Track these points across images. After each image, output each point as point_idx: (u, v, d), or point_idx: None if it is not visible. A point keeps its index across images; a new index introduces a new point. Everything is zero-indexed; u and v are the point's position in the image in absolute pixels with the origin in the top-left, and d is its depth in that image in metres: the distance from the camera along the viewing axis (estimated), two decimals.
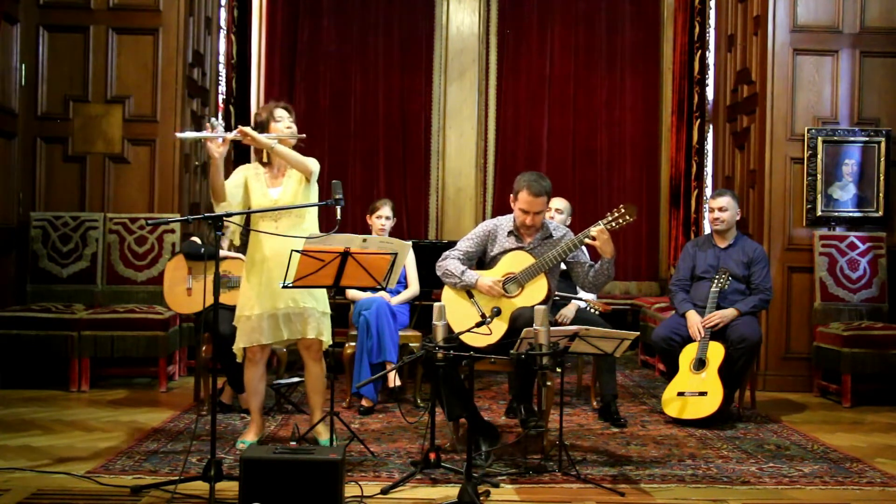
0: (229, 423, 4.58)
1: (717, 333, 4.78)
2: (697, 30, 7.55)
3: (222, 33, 7.22)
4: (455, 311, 4.10)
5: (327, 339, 3.98)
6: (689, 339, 4.81)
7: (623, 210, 4.04)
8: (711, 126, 7.19)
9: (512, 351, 3.55)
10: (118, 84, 6.05)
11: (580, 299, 5.00)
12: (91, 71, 6.03)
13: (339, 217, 3.69)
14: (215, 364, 3.84)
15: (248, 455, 3.07)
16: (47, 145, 6.04)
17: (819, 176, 5.82)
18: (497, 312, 3.79)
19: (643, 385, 5.94)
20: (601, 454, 4.08)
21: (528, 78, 8.18)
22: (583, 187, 8.11)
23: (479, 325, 3.69)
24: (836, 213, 5.85)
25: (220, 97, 7.23)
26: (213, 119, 6.79)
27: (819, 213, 5.83)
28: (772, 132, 5.87)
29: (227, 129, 7.42)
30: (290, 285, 3.59)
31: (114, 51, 6.05)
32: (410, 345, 5.14)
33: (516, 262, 4.16)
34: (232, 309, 4.67)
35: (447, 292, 4.25)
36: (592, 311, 4.92)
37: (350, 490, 3.34)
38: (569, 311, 4.87)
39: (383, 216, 5.22)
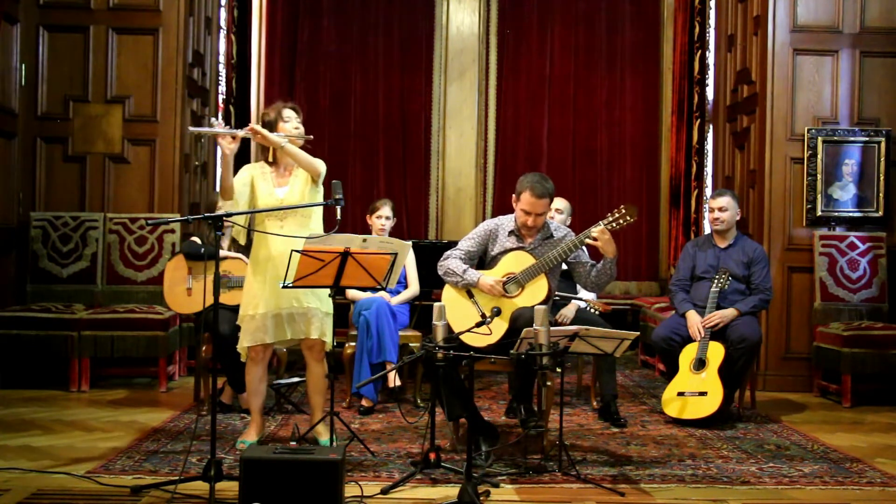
0: (229, 423, 4.58)
1: (717, 333, 4.78)
2: (697, 30, 7.55)
3: (222, 33, 7.22)
4: (455, 311, 4.10)
5: (329, 340, 3.98)
6: (689, 339, 4.81)
7: (624, 211, 4.04)
8: (711, 126, 7.19)
9: (512, 351, 3.55)
10: (118, 84, 6.06)
11: (580, 299, 5.00)
12: (91, 71, 6.03)
13: (339, 217, 3.70)
14: (215, 364, 3.84)
15: (248, 455, 3.07)
16: (47, 145, 6.04)
17: (819, 176, 5.82)
18: (497, 312, 3.79)
19: (643, 385, 5.94)
20: (601, 454, 4.08)
21: (528, 78, 8.18)
22: (583, 187, 8.12)
23: (479, 325, 3.70)
24: (836, 213, 5.85)
25: (220, 97, 7.24)
26: (213, 119, 6.81)
27: (819, 213, 5.83)
28: (772, 132, 5.87)
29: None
30: (290, 285, 3.60)
31: (114, 51, 6.05)
32: (410, 345, 5.14)
33: (517, 262, 4.16)
34: (232, 309, 4.68)
35: (447, 292, 4.25)
36: (592, 311, 4.92)
37: (350, 490, 3.34)
38: (569, 311, 4.87)
39: (383, 216, 5.22)
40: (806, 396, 5.64)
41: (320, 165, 3.94)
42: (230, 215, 3.86)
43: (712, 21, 7.29)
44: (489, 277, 4.14)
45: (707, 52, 7.42)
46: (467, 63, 8.13)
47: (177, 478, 3.37)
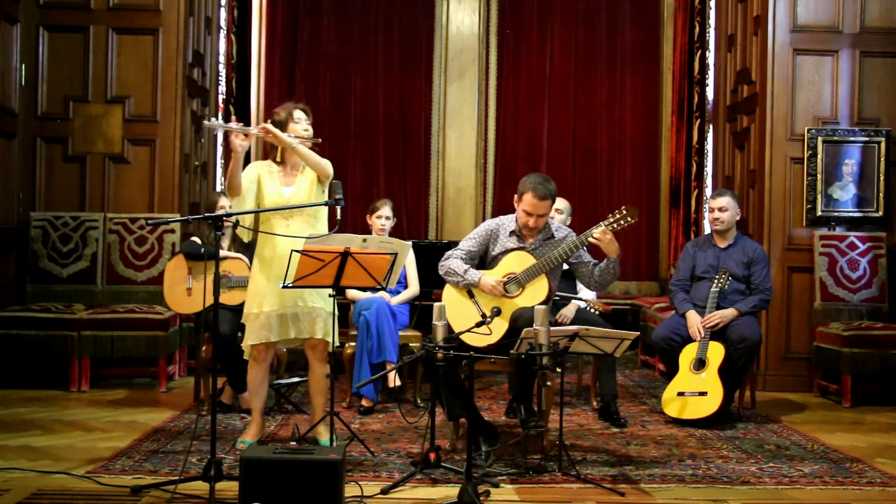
0: (229, 423, 4.58)
1: (717, 333, 4.78)
2: (697, 30, 7.55)
3: (222, 33, 7.22)
4: (455, 311, 4.10)
5: (334, 339, 3.98)
6: (689, 339, 4.81)
7: (625, 212, 4.04)
8: (711, 126, 7.19)
9: (512, 351, 3.55)
10: (118, 84, 6.06)
11: (580, 299, 5.00)
12: (91, 71, 6.03)
13: (338, 217, 3.70)
14: (215, 364, 3.84)
15: (248, 455, 3.07)
16: (47, 145, 6.04)
17: (819, 176, 5.82)
18: (497, 312, 3.79)
19: (643, 385, 5.93)
20: (601, 454, 4.08)
21: (528, 78, 8.18)
22: (583, 187, 8.12)
23: (479, 325, 3.70)
24: (836, 213, 5.85)
25: (220, 97, 7.23)
26: (213, 119, 6.82)
27: (819, 213, 5.83)
28: (772, 132, 5.87)
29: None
30: (290, 285, 3.60)
31: (114, 51, 6.05)
32: (410, 345, 5.14)
33: (518, 262, 4.16)
34: (232, 309, 4.69)
35: (447, 292, 4.25)
36: (592, 311, 4.92)
37: (350, 490, 3.34)
38: (569, 311, 4.86)
39: (383, 216, 5.22)
40: (806, 396, 5.64)
41: (329, 167, 3.95)
42: (230, 215, 3.87)
43: (712, 21, 7.29)
44: (490, 277, 4.14)
45: (707, 52, 7.42)
46: (467, 63, 8.13)
47: (177, 478, 3.37)
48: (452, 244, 4.88)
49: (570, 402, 5.24)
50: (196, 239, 5.02)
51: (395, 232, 5.38)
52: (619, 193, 8.09)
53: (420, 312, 5.66)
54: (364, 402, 4.88)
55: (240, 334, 4.70)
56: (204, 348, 4.86)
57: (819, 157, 5.81)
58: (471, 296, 4.16)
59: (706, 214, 6.79)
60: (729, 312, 4.80)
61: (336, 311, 3.99)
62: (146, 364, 5.57)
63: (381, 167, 8.14)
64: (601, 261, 4.21)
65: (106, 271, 5.88)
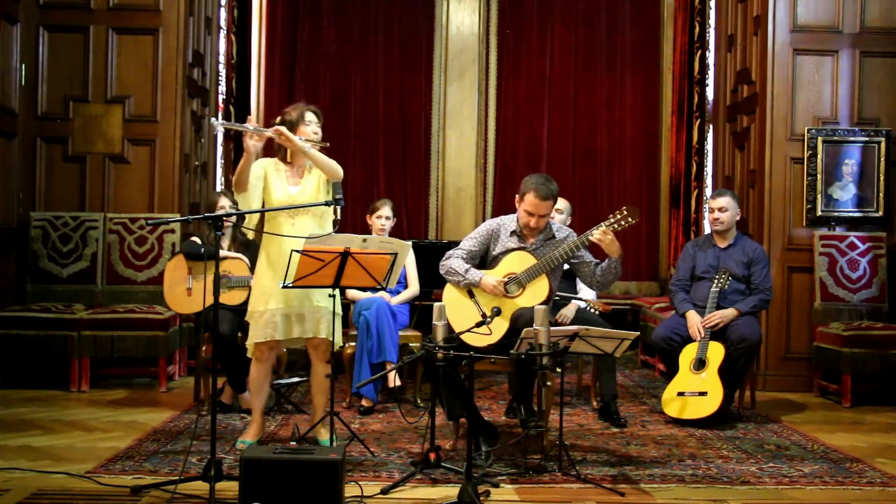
0: (229, 423, 4.58)
1: (717, 333, 4.78)
2: (697, 30, 7.55)
3: (222, 33, 7.22)
4: (456, 311, 4.11)
5: (338, 340, 3.99)
6: (689, 339, 4.81)
7: (626, 212, 4.04)
8: (711, 126, 7.19)
9: (512, 351, 3.55)
10: (118, 84, 6.05)
11: (580, 299, 5.00)
12: (91, 71, 6.03)
13: (338, 217, 3.71)
14: (215, 364, 3.84)
15: (248, 455, 3.07)
16: (47, 145, 6.04)
17: (819, 176, 5.82)
18: (497, 312, 3.79)
19: (643, 385, 5.93)
20: (601, 454, 4.08)
21: (528, 78, 8.18)
22: (583, 187, 8.12)
23: (479, 324, 3.70)
24: (836, 213, 5.85)
25: (220, 97, 7.23)
26: (213, 119, 6.83)
27: (819, 213, 5.83)
28: (772, 132, 5.87)
29: (227, 129, 7.47)
30: (290, 285, 3.60)
31: (114, 51, 6.05)
32: (410, 345, 5.14)
33: (518, 262, 4.16)
34: (232, 309, 4.69)
35: (448, 292, 4.26)
36: (592, 311, 4.92)
37: (350, 490, 3.34)
38: (569, 311, 4.86)
39: (383, 216, 5.22)
40: (806, 396, 5.64)
41: (340, 171, 3.96)
42: (230, 215, 3.87)
43: (712, 21, 7.29)
44: (491, 277, 4.14)
45: (707, 52, 7.42)
46: (467, 63, 8.13)
47: (177, 478, 3.37)
48: (452, 244, 4.88)
49: (570, 402, 5.24)
50: (196, 239, 5.02)
51: (395, 232, 5.38)
52: (619, 193, 8.09)
53: (420, 312, 5.66)
54: (364, 402, 4.88)
55: (240, 334, 4.71)
56: (204, 348, 4.86)
57: (819, 157, 5.81)
58: (471, 295, 4.16)
59: (706, 214, 6.79)
60: (729, 312, 4.80)
61: (340, 311, 3.99)
62: (146, 364, 5.56)
63: (381, 167, 8.14)
64: (602, 261, 4.21)
65: (106, 271, 5.88)
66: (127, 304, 5.73)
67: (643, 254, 8.16)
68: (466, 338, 3.93)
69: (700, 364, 4.69)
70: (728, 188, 6.09)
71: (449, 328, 3.71)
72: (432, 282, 5.39)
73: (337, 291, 3.84)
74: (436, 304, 3.61)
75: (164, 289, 5.02)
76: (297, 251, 3.50)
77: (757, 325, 4.86)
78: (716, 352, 4.68)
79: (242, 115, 7.50)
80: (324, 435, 4.02)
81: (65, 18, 6.03)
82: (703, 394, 4.63)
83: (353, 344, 4.95)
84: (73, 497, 3.31)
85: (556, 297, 4.65)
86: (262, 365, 4.02)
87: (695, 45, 7.58)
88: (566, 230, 4.41)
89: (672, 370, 4.85)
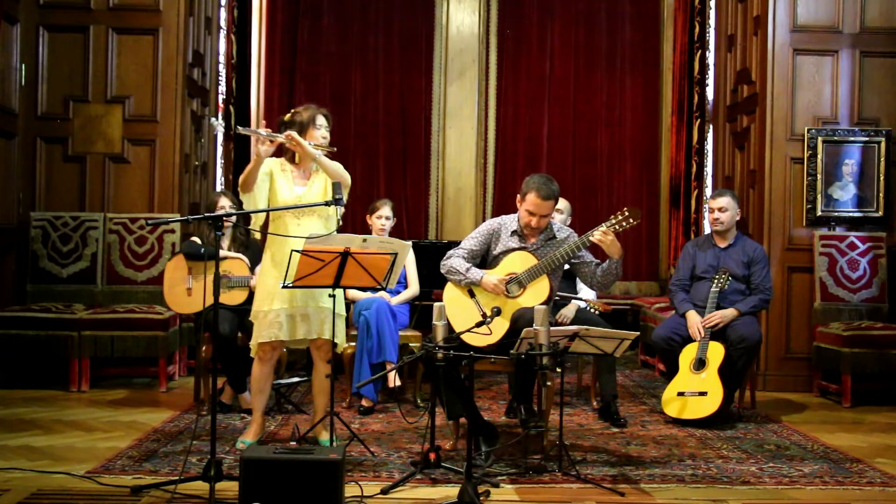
0: (229, 423, 4.58)
1: (717, 333, 4.78)
2: (697, 30, 7.55)
3: (222, 33, 7.22)
4: (456, 311, 4.11)
5: (341, 341, 3.99)
6: (689, 339, 4.81)
7: (627, 213, 4.03)
8: (711, 126, 7.19)
9: (512, 351, 3.55)
10: (118, 84, 6.05)
11: (580, 299, 5.00)
12: (91, 71, 6.03)
13: (338, 217, 3.71)
14: (215, 364, 3.84)
15: (248, 455, 3.07)
16: (47, 145, 6.03)
17: (819, 176, 5.82)
18: (497, 312, 3.79)
19: (643, 385, 5.94)
20: (601, 454, 4.08)
21: (528, 78, 8.18)
22: (583, 187, 8.12)
23: (479, 324, 3.70)
24: (836, 213, 5.86)
25: (220, 97, 7.23)
26: (213, 119, 6.83)
27: (819, 213, 5.84)
28: (772, 132, 5.87)
29: (227, 129, 7.48)
30: (290, 285, 3.60)
31: (114, 51, 6.04)
32: (410, 345, 5.14)
33: (519, 262, 4.16)
34: (232, 309, 4.69)
35: (448, 291, 4.26)
36: (592, 311, 4.92)
37: (350, 490, 3.34)
38: (569, 311, 4.87)
39: (383, 216, 5.22)
40: (806, 396, 5.64)
41: (348, 177, 3.98)
42: (230, 215, 3.87)
43: (712, 21, 7.29)
44: (492, 276, 4.14)
45: (707, 52, 7.42)
46: (467, 63, 8.13)
47: (177, 478, 3.37)
48: (452, 244, 4.88)
49: (570, 402, 5.24)
50: (196, 239, 5.02)
51: (395, 232, 5.38)
52: (619, 193, 8.09)
53: (420, 312, 5.66)
54: (364, 402, 4.88)
55: (240, 334, 4.71)
56: (204, 348, 4.86)
57: (819, 157, 5.81)
58: (472, 295, 4.16)
59: (706, 214, 6.79)
60: (729, 312, 4.80)
61: (343, 312, 4.00)
62: (146, 364, 5.56)
63: (381, 167, 8.14)
64: (603, 261, 4.21)
65: (106, 271, 5.88)
66: (127, 304, 5.73)
67: (643, 254, 8.16)
68: (466, 338, 3.93)
69: (700, 364, 4.69)
70: (728, 188, 6.09)
71: (449, 328, 3.71)
72: (432, 282, 5.40)
73: (340, 292, 3.84)
74: (436, 304, 3.61)
75: (164, 289, 5.03)
76: (297, 251, 3.51)
77: (757, 325, 4.86)
78: (716, 352, 4.68)
79: (242, 115, 7.50)
80: (324, 435, 4.02)
81: (65, 18, 6.03)
82: (703, 394, 4.63)
83: (353, 344, 4.95)
84: (72, 497, 3.31)
85: (557, 297, 4.65)
86: (265, 365, 4.02)
87: (695, 45, 7.58)
88: (567, 230, 4.41)
89: (672, 370, 4.85)
